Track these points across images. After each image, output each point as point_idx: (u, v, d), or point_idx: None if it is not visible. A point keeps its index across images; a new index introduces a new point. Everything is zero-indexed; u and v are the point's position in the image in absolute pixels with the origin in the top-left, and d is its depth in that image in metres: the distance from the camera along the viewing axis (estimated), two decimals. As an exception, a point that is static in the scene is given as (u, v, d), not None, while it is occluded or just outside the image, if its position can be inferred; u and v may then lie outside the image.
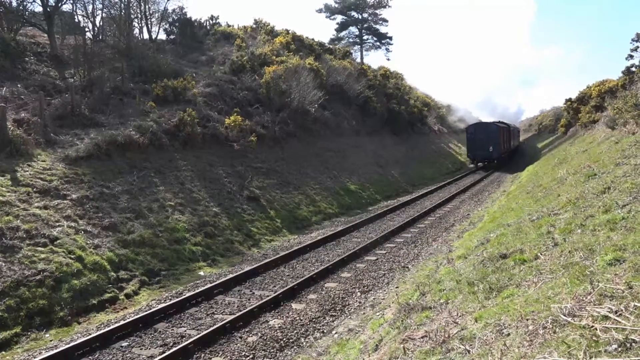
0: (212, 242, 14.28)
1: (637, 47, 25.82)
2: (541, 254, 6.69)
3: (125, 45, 23.45)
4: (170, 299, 10.50)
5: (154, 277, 11.79)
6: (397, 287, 10.65)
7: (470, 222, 17.10)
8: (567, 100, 43.50)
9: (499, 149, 38.82)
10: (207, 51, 29.56)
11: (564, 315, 4.02)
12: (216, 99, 22.95)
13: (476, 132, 39.03)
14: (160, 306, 9.87)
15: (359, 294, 10.77)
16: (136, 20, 27.66)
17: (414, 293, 8.62)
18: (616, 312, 3.80)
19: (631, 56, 26.67)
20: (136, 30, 27.48)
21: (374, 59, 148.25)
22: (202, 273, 12.58)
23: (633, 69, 27.25)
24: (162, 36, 30.62)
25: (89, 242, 11.48)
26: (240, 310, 9.64)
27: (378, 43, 63.84)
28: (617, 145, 15.77)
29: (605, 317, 3.78)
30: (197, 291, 10.66)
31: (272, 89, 25.35)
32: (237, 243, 14.97)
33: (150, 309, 9.85)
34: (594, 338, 3.48)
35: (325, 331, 8.89)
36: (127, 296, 10.76)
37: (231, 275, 11.80)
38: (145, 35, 28.38)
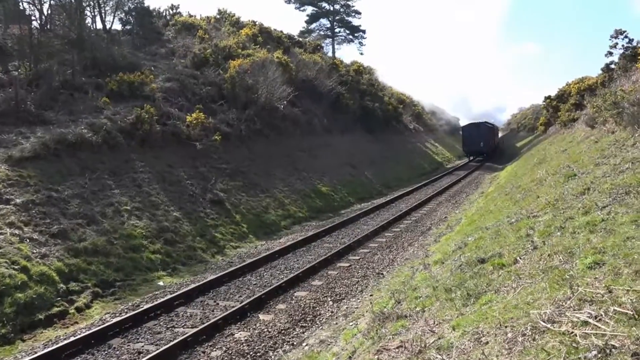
0: (172, 250, 14.08)
1: (616, 43, 26.69)
2: (520, 258, 6.83)
3: (77, 35, 22.89)
4: (126, 312, 10.29)
5: (108, 289, 11.54)
6: (371, 295, 10.70)
7: (448, 226, 17.35)
8: (546, 98, 44.67)
9: (488, 144, 50.15)
10: (166, 43, 29.14)
11: (544, 322, 4.11)
12: (177, 94, 22.65)
13: (470, 131, 50.30)
14: (115, 320, 9.66)
15: (331, 303, 10.78)
16: (88, 8, 27.05)
17: (388, 301, 8.68)
18: (596, 317, 3.91)
19: (610, 53, 27.52)
20: (88, 20, 26.86)
21: (347, 54, 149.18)
22: (161, 283, 12.38)
23: (612, 66, 28.13)
24: (118, 26, 30.03)
25: (35, 251, 11.14)
26: (203, 323, 9.53)
27: (350, 36, 64.21)
28: (596, 145, 16.27)
29: (585, 323, 3.89)
30: (156, 303, 10.48)
31: (238, 85, 25.18)
32: (200, 250, 14.81)
33: (104, 324, 9.63)
34: (574, 344, 3.57)
35: (295, 343, 8.87)
36: (78, 310, 10.49)
37: (193, 285, 11.66)
38: (99, 25, 27.77)
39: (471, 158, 50.60)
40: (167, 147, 19.12)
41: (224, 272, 12.62)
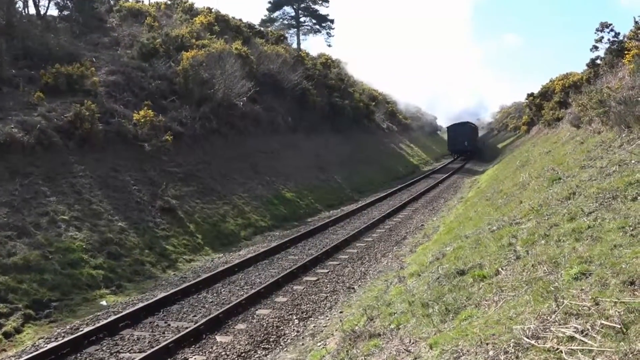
0: (117, 265, 13.82)
1: (602, 37, 27.58)
2: (502, 269, 6.97)
3: (5, 21, 22.27)
4: (63, 337, 10.03)
5: (42, 310, 11.23)
6: (341, 312, 10.74)
7: (425, 234, 17.58)
8: (529, 96, 45.87)
9: (471, 143, 58.35)
10: (110, 31, 28.64)
11: (527, 338, 4.20)
12: (122, 89, 22.28)
13: (455, 130, 58.17)
14: (49, 346, 9.39)
15: (296, 321, 10.76)
16: (19, -10, 26.37)
17: (360, 318, 8.72)
18: (582, 332, 4.02)
19: (596, 47, 28.44)
20: (19, 4, 26.18)
21: (313, 45, 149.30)
22: (104, 303, 12.14)
23: (598, 61, 29.06)
24: (54, 12, 29.39)
25: (-44, 268, 10.75)
26: (153, 347, 9.37)
27: (317, 26, 64.53)
28: (582, 146, 16.78)
29: (571, 338, 3.99)
30: (97, 325, 10.26)
31: (192, 79, 24.94)
32: (149, 264, 14.59)
33: (37, 350, 9.35)
34: (559, 362, 3.66)
35: (256, 367, 8.81)
36: (7, 335, 10.17)
37: (141, 304, 11.46)
38: (32, 10, 27.09)
39: (455, 157, 58.33)
40: (111, 148, 18.77)
41: (176, 289, 12.45)
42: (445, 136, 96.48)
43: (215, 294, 12.49)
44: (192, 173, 20.72)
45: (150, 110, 20.91)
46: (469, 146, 57.05)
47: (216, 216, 19.07)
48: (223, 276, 13.80)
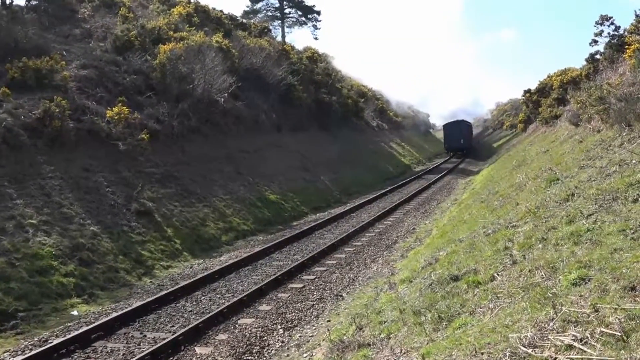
0: (89, 272, 13.71)
1: (602, 31, 27.83)
2: (498, 275, 7.02)
3: (-32, 11, 22.03)
4: (31, 349, 9.92)
5: (8, 321, 11.11)
6: (328, 321, 10.74)
7: (416, 238, 17.64)
8: (525, 92, 46.17)
9: (467, 141, 62.33)
10: (82, 23, 28.39)
11: (524, 347, 4.23)
12: (95, 84, 22.11)
13: (451, 128, 62.70)
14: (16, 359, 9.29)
15: (281, 331, 10.75)
16: (-17, -22, 26.09)
17: (349, 327, 8.73)
18: (581, 340, 4.06)
19: (595, 42, 28.65)
20: (-17, -8, 25.91)
21: (299, 38, 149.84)
22: (75, 312, 12.04)
23: (598, 56, 29.33)
24: (21, 1, 29.09)
25: None
26: None
27: (303, 18, 64.45)
28: (581, 145, 16.94)
29: (570, 347, 4.03)
30: (68, 337, 10.15)
31: (169, 73, 24.82)
32: (124, 271, 14.49)
33: (3, 364, 9.27)
34: (557, 372, 3.69)
35: (238, 380, 8.78)
36: (-29, 347, 10.05)
37: (115, 314, 11.38)
38: (-3, -1, 26.82)
39: (451, 154, 61.98)
40: (83, 147, 18.62)
41: (152, 298, 12.37)
42: (438, 135, 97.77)
43: (194, 303, 12.42)
44: (169, 174, 20.62)
45: (124, 107, 20.75)
46: (465, 144, 61.26)
47: (195, 220, 18.99)
48: (203, 283, 13.73)
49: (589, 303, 4.71)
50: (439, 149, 74.88)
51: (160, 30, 28.47)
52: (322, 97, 41.17)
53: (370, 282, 13.17)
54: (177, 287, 13.23)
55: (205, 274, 14.40)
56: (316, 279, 14.09)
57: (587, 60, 31.05)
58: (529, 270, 6.43)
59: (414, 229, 20.04)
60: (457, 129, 61.88)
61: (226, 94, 27.61)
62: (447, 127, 64.60)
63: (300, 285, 13.54)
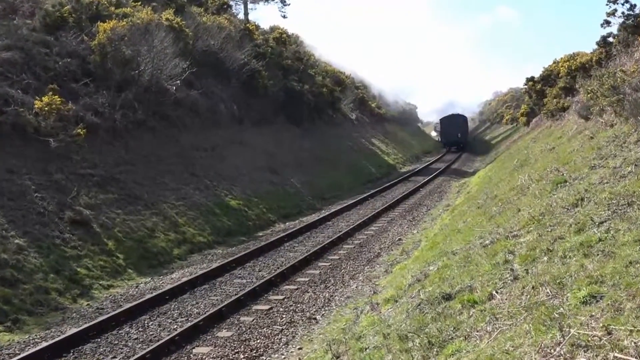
0: (12, 293, 13.49)
1: (615, 10, 28.26)
2: (497, 292, 7.09)
3: None
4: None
5: None
6: (300, 349, 10.73)
7: (403, 251, 17.74)
8: (528, 80, 46.71)
9: (464, 135, 70.68)
10: (4, -5, 28.04)
11: (527, 376, 4.28)
12: (20, 69, 21.79)
13: (448, 122, 70.94)
14: None
15: (244, 361, 10.71)
16: None
17: (324, 356, 8.73)
18: (592, 368, 4.11)
19: (607, 22, 29.11)
20: None
21: (264, 16, 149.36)
22: (-3, 342, 11.85)
23: (610, 39, 29.80)
24: None
25: None
26: (60, 397, 9.18)
27: (269, -8, 64.34)
28: (591, 142, 17.19)
29: (579, 376, 4.08)
30: (-12, 371, 10.00)
31: (111, 57, 24.59)
32: (55, 292, 14.30)
33: None
34: (565, 405, 3.74)
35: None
36: None
37: (45, 344, 11.19)
38: None
39: (447, 148, 69.88)
40: (6, 144, 18.37)
41: (90, 324, 12.20)
42: (427, 130, 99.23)
43: (140, 329, 12.31)
44: (111, 176, 20.41)
45: (56, 97, 20.49)
46: (462, 138, 69.74)
47: (142, 230, 18.82)
48: (151, 306, 13.60)
49: (601, 324, 4.77)
50: (428, 146, 75.57)
51: (100, 5, 28.18)
52: (291, 85, 41.13)
53: (348, 303, 13.19)
54: (119, 310, 13.08)
55: (154, 294, 14.26)
56: (285, 300, 14.06)
57: (598, 43, 31.51)
58: (533, 287, 6.50)
59: (399, 240, 20.14)
60: (455, 123, 70.23)
61: (178, 82, 27.42)
62: (444, 121, 73.14)
63: (267, 307, 13.49)
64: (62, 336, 11.59)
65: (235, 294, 14.21)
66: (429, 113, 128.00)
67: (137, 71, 25.28)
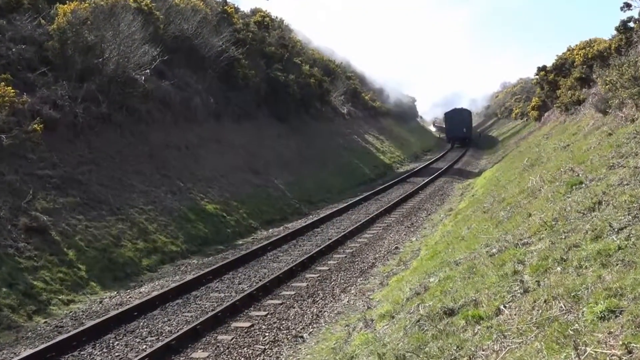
0: (-39, 310, 13.43)
1: (636, -10, 28.36)
2: (505, 307, 7.11)
3: None
4: None
5: None
6: (285, 371, 10.73)
7: (400, 261, 17.75)
8: (540, 70, 46.90)
9: (469, 129, 76.55)
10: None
11: (538, 401, 4.29)
12: (-32, 57, 21.73)
13: (453, 116, 76.23)
14: None
15: (222, 385, 10.70)
16: None
17: (311, 379, 8.72)
18: (611, 391, 4.13)
19: (628, 5, 29.21)
20: None
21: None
22: (-58, 365, 11.79)
23: (631, 24, 29.92)
24: None
25: None
26: None
27: (250, -29, 64.41)
28: (610, 139, 17.28)
29: (596, 400, 4.10)
30: None
31: (71, 43, 24.50)
32: (8, 309, 14.22)
33: None
34: None
35: None
36: None
37: (-3, 367, 11.18)
38: None
39: (452, 144, 74.67)
40: (-47, 142, 18.29)
41: (48, 344, 12.13)
42: (426, 125, 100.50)
43: (105, 350, 12.26)
44: (71, 177, 20.35)
45: (9, 88, 20.40)
46: (467, 132, 75.47)
47: (107, 238, 18.75)
48: (117, 323, 13.55)
49: (620, 342, 4.79)
50: (428, 144, 75.84)
51: (59, -16, 28.11)
52: (275, 75, 41.10)
53: (339, 319, 13.18)
54: (81, 328, 13.01)
55: (120, 310, 14.20)
56: (269, 316, 14.03)
57: (617, 29, 31.60)
58: (545, 301, 6.52)
59: (396, 248, 20.15)
60: (460, 117, 75.49)
61: (148, 71, 27.35)
62: (448, 115, 78.47)
63: (248, 324, 13.46)
64: (16, 358, 11.53)
65: (212, 310, 14.17)
66: (430, 107, 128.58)
67: (101, 59, 25.19)
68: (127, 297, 16.02)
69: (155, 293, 15.64)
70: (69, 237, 17.78)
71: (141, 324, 13.70)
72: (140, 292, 16.33)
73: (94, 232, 18.66)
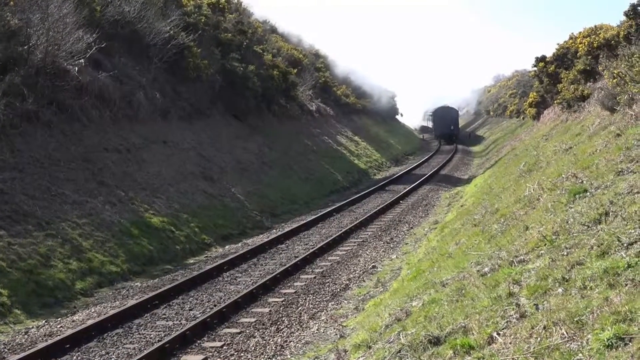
0: None
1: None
2: (499, 334, 7.16)
3: None
4: None
5: None
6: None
7: (378, 282, 17.80)
8: (538, 61, 47.26)
9: (456, 127, 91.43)
10: None
11: None
12: None
13: (442, 114, 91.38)
14: None
15: None
16: None
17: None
18: None
19: (638, -12, 29.60)
20: None
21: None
22: None
23: (641, 8, 30.28)
24: None
25: None
26: None
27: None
28: (618, 140, 17.46)
29: None
30: None
31: (-9, 27, 24.34)
32: None
33: None
34: None
35: None
36: None
37: None
38: None
39: (440, 141, 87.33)
40: None
41: (-37, 383, 12.04)
42: (408, 123, 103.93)
43: (32, 389, 12.16)
44: (-9, 186, 20.15)
45: None
46: (454, 130, 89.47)
47: (34, 257, 18.57)
48: (45, 358, 13.38)
49: (631, 374, 4.86)
50: (410, 146, 76.23)
51: (-24, -41, 27.88)
52: (232, 66, 40.99)
53: (307, 350, 13.18)
54: (3, 364, 12.92)
55: (49, 342, 14.01)
56: (225, 347, 13.99)
57: (626, 14, 31.95)
58: (544, 327, 6.58)
59: (373, 267, 20.19)
60: (447, 115, 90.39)
61: (82, 61, 27.18)
62: (436, 113, 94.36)
63: (200, 358, 13.43)
64: None
65: (159, 341, 14.06)
66: (411, 103, 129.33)
67: (26, 46, 25.00)
68: (58, 326, 15.83)
69: (91, 322, 15.47)
70: (-11, 256, 17.61)
71: (74, 358, 13.57)
72: (74, 321, 16.14)
73: (19, 250, 18.45)
